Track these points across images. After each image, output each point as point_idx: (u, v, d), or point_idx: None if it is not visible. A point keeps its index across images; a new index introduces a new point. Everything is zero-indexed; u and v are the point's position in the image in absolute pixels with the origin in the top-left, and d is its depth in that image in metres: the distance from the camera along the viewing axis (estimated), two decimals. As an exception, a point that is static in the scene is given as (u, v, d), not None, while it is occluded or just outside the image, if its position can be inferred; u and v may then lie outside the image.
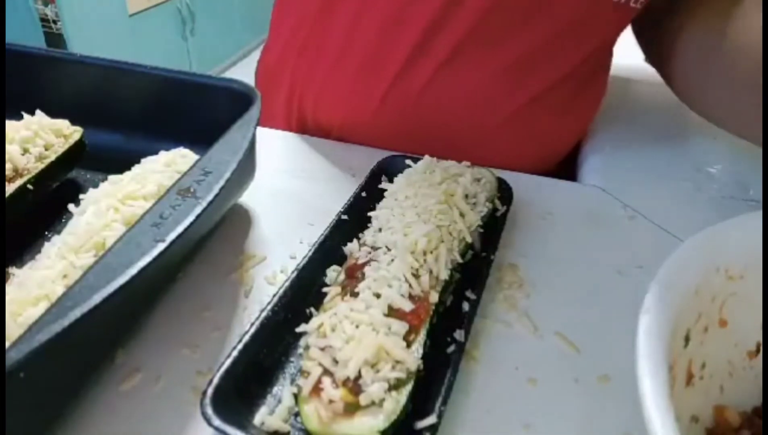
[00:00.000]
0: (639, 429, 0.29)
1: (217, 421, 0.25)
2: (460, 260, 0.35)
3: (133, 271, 0.26)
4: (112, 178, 0.38)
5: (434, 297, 0.32)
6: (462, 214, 0.37)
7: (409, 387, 0.27)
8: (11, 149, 0.38)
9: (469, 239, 0.37)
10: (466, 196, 0.39)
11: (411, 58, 0.50)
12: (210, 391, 0.26)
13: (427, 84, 0.51)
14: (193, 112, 0.44)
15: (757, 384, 0.29)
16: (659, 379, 0.20)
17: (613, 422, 0.30)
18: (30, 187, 0.38)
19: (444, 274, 0.33)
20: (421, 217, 0.36)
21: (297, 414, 0.27)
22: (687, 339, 0.25)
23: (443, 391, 0.28)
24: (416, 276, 0.32)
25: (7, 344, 0.23)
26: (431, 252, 0.34)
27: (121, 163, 0.40)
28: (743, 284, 0.27)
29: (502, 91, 0.51)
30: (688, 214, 0.46)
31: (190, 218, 0.30)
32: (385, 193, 0.40)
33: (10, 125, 0.40)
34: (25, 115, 0.42)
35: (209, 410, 0.25)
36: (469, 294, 0.34)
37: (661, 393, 0.20)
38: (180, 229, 0.29)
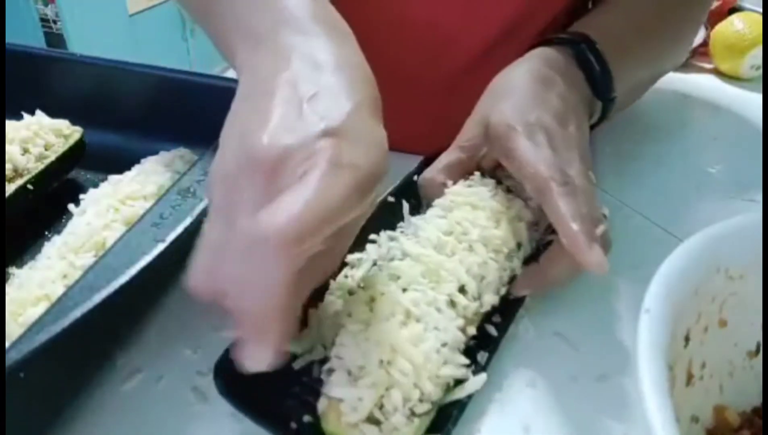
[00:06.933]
0: (638, 429, 0.29)
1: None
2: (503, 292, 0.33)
3: (133, 271, 0.26)
4: (112, 178, 0.38)
5: (472, 331, 0.30)
6: (519, 245, 0.35)
7: (431, 416, 0.27)
8: (11, 149, 0.38)
9: (519, 271, 0.34)
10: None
11: (425, 61, 0.50)
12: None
13: (449, 87, 0.50)
14: (193, 112, 0.43)
15: (757, 384, 0.29)
16: (659, 379, 0.20)
17: (612, 422, 0.30)
18: (30, 187, 0.38)
19: (491, 301, 0.31)
20: (487, 248, 0.32)
21: (300, 418, 0.27)
22: (687, 339, 0.25)
23: (454, 414, 0.28)
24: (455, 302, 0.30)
25: (7, 344, 0.24)
26: (482, 279, 0.31)
27: (121, 163, 0.40)
28: (743, 284, 0.27)
29: None
30: (688, 214, 0.46)
31: (190, 218, 0.30)
32: (434, 203, 0.36)
33: (10, 125, 0.40)
34: (25, 115, 0.41)
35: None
36: (495, 318, 0.33)
37: (661, 393, 0.20)
38: (180, 229, 0.29)
